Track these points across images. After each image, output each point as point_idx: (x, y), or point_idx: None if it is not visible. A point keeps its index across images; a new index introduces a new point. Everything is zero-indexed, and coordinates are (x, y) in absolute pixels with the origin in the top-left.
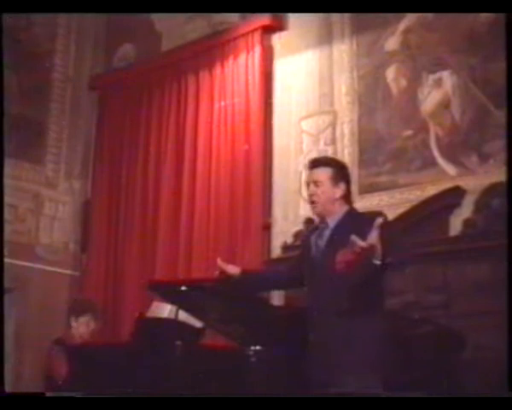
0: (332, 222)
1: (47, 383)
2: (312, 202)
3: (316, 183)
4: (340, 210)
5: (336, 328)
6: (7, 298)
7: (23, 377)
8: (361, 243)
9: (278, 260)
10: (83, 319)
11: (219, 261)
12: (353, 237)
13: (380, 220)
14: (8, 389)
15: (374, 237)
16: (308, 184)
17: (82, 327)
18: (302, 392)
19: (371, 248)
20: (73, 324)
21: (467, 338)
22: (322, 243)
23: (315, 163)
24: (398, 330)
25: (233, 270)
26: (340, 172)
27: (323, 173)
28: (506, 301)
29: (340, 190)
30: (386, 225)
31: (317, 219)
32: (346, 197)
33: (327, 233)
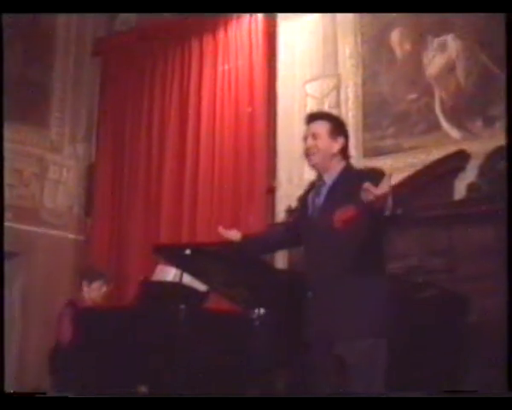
0: (329, 179)
1: (57, 345)
2: (309, 155)
3: (314, 136)
4: (337, 166)
5: (334, 286)
6: (13, 262)
7: (30, 342)
8: (375, 191)
9: (282, 224)
10: (95, 285)
11: (220, 229)
12: (367, 185)
13: (389, 173)
14: (15, 352)
15: (386, 186)
16: (306, 138)
17: (94, 292)
18: (303, 355)
19: (384, 196)
20: (85, 288)
21: (471, 302)
22: (320, 200)
23: (313, 117)
24: (401, 294)
25: (234, 236)
26: (338, 126)
27: (322, 126)
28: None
29: (337, 145)
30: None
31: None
32: (344, 152)
33: (324, 191)
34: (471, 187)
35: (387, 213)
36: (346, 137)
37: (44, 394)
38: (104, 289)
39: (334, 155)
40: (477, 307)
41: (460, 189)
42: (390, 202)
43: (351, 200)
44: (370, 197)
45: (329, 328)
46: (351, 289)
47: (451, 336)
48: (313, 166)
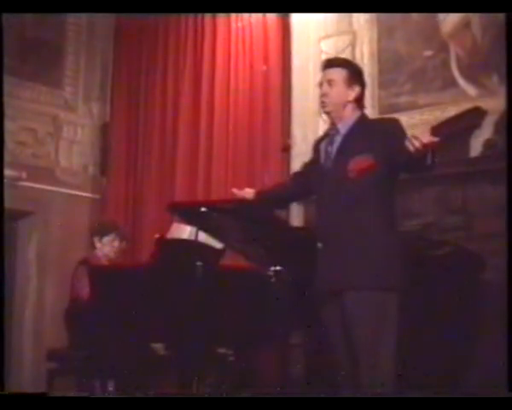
0: (343, 128)
1: (72, 304)
2: (324, 102)
3: (329, 82)
4: (352, 115)
5: (344, 237)
6: (28, 221)
7: (46, 300)
8: (424, 139)
9: (293, 174)
10: (106, 239)
11: (234, 190)
12: (414, 135)
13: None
14: (30, 310)
15: (428, 136)
16: (321, 84)
17: (106, 247)
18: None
19: (431, 145)
20: (97, 244)
21: (486, 259)
22: (333, 149)
23: (330, 63)
24: (417, 251)
25: (248, 194)
26: (354, 74)
27: (338, 73)
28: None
29: (353, 93)
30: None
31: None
32: (359, 102)
33: (338, 140)
34: (487, 144)
35: (429, 162)
36: (363, 86)
37: (44, 394)
38: (117, 243)
39: (348, 103)
40: (492, 265)
41: (476, 146)
42: (430, 151)
43: (366, 150)
44: (417, 145)
45: (338, 279)
46: (361, 241)
47: (466, 294)
48: (327, 113)
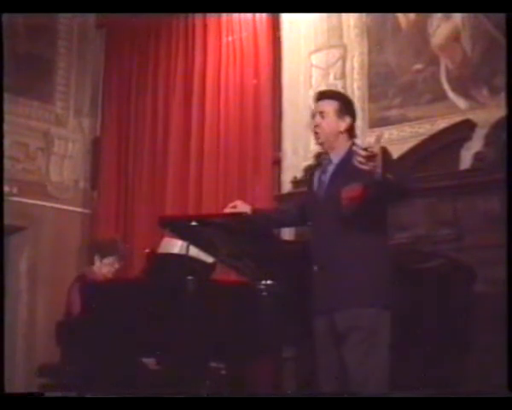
0: (335, 158)
1: (65, 319)
2: (316, 133)
3: (321, 114)
4: (343, 145)
5: (339, 261)
6: (19, 236)
7: (37, 315)
8: (362, 152)
9: (288, 195)
10: (107, 261)
11: (228, 208)
12: (355, 147)
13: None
14: (21, 325)
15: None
16: (314, 116)
17: (105, 267)
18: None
19: (372, 156)
20: (97, 263)
21: (478, 272)
22: (326, 178)
23: (322, 95)
24: (408, 264)
25: (243, 208)
26: (345, 105)
27: (329, 105)
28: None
29: (344, 124)
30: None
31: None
32: (350, 132)
33: (330, 169)
34: (477, 156)
35: (378, 176)
36: (354, 116)
37: (43, 394)
38: (116, 265)
39: (340, 134)
40: (483, 277)
41: (466, 158)
42: (379, 162)
43: (356, 179)
44: (359, 159)
45: (332, 300)
46: (355, 263)
47: (458, 306)
48: (320, 144)
